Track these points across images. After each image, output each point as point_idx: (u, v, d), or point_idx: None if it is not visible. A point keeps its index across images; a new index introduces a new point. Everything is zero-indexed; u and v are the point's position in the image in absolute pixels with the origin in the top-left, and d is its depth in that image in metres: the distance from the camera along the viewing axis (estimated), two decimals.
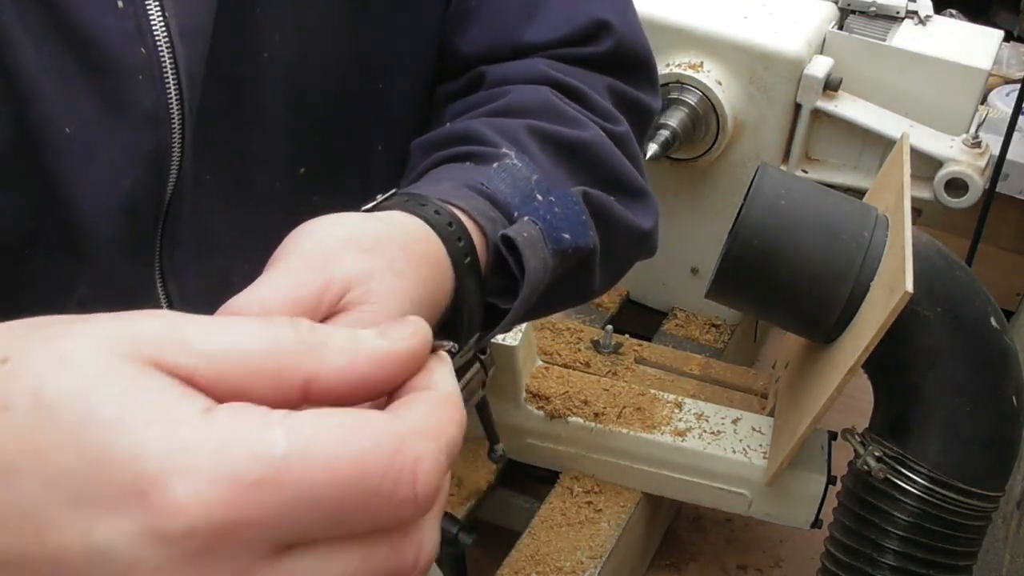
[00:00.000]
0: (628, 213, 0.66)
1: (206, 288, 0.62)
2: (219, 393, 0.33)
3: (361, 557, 0.33)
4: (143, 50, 0.52)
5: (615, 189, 0.66)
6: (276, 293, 0.42)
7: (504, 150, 0.61)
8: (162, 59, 0.53)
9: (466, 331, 0.55)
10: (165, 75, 0.53)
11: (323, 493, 0.31)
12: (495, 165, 0.59)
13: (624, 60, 0.71)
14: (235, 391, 0.33)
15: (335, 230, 0.48)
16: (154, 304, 0.60)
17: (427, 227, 0.52)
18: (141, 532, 0.31)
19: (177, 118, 0.55)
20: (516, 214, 0.57)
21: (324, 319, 0.43)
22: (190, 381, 0.33)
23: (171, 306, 0.61)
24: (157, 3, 0.53)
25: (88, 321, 0.34)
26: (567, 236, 0.58)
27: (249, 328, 0.35)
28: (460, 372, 0.72)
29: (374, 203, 0.55)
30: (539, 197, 0.59)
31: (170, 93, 0.54)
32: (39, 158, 0.52)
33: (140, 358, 0.33)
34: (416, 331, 0.37)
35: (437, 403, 0.36)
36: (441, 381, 0.37)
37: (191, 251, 0.61)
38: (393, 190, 0.57)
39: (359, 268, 0.45)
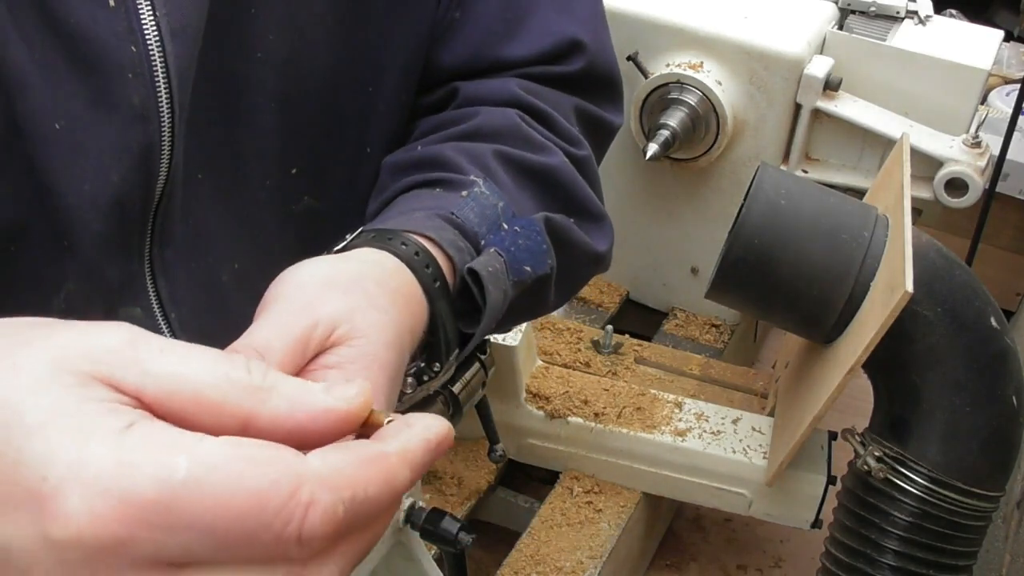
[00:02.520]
0: (586, 237, 0.70)
1: (196, 286, 0.63)
2: (162, 414, 0.35)
3: None
4: (133, 48, 0.53)
5: (575, 213, 0.70)
6: (268, 337, 0.45)
7: (473, 177, 0.64)
8: (152, 57, 0.53)
9: (444, 349, 0.59)
10: (155, 73, 0.54)
11: (213, 522, 0.33)
12: (464, 193, 0.63)
13: (593, 79, 0.75)
14: (177, 416, 0.35)
15: (314, 274, 0.51)
16: (144, 302, 0.60)
17: (397, 260, 0.56)
18: (35, 535, 0.33)
19: (167, 116, 0.55)
20: (483, 243, 0.62)
21: (316, 356, 0.46)
22: (138, 398, 0.35)
23: (161, 304, 0.61)
24: (148, 2, 0.53)
25: (55, 330, 0.36)
26: (528, 268, 0.63)
27: (205, 361, 0.36)
28: (453, 378, 0.75)
29: (344, 243, 0.59)
30: (505, 226, 0.63)
31: (160, 91, 0.54)
32: (27, 152, 0.52)
33: (86, 372, 0.35)
34: (359, 393, 0.39)
35: (366, 459, 0.37)
36: (394, 441, 0.38)
37: (182, 249, 0.61)
38: (360, 228, 0.60)
39: (341, 306, 0.48)
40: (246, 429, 0.36)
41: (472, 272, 0.59)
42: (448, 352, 0.60)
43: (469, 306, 0.60)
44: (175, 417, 0.35)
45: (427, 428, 0.39)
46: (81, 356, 0.35)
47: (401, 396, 0.57)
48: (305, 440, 0.37)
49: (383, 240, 0.57)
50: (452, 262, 0.59)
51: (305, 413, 0.37)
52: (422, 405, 0.69)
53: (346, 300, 0.49)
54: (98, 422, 0.34)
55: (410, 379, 0.58)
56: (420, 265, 0.57)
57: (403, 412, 0.61)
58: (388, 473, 0.37)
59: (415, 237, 0.58)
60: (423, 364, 0.59)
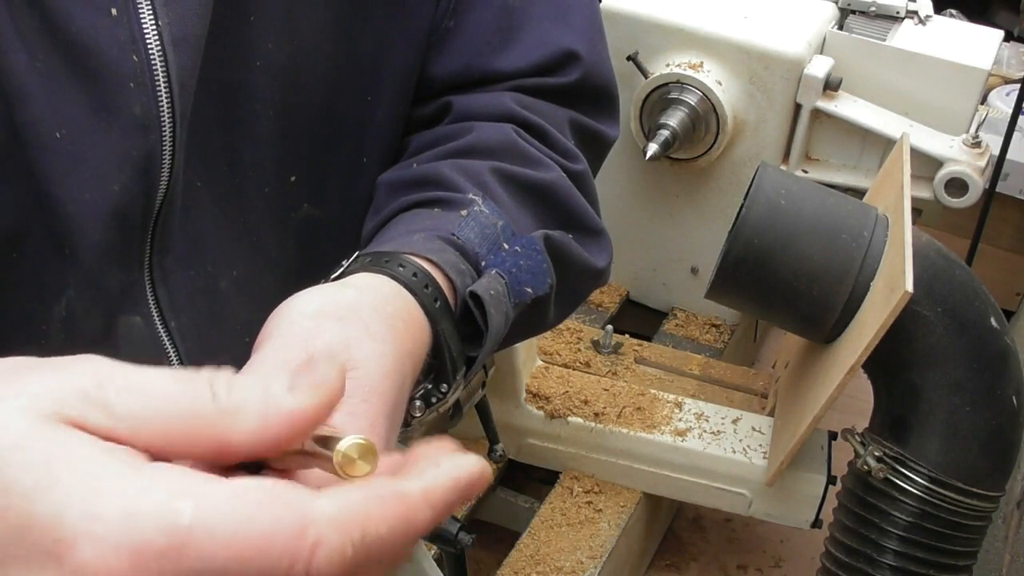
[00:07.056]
0: (585, 253, 0.69)
1: (195, 293, 0.63)
2: (140, 448, 0.35)
3: None
4: (135, 57, 0.52)
5: (574, 228, 0.69)
6: (265, 374, 0.44)
7: (471, 195, 0.63)
8: (154, 67, 0.53)
9: (451, 370, 0.58)
10: (157, 83, 0.53)
11: (223, 565, 0.33)
12: (464, 212, 0.62)
13: (589, 91, 0.74)
14: (153, 450, 0.36)
15: (308, 306, 0.50)
16: (143, 310, 0.60)
17: (394, 283, 0.55)
18: None
19: (168, 125, 0.55)
20: (484, 263, 0.61)
21: None
22: (111, 438, 0.35)
23: (160, 312, 0.61)
24: (151, 11, 0.53)
25: (20, 379, 0.36)
26: (529, 290, 0.62)
27: (169, 393, 0.36)
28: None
29: (341, 270, 0.58)
30: (505, 246, 0.62)
31: (161, 100, 0.54)
32: (27, 161, 0.52)
33: (63, 419, 0.35)
34: (323, 380, 0.38)
35: (381, 498, 0.36)
36: (418, 480, 0.37)
37: (181, 257, 0.61)
38: (356, 252, 0.59)
39: (337, 338, 0.48)
40: (223, 454, 0.36)
41: (474, 295, 0.58)
42: (455, 372, 0.59)
43: (471, 329, 0.59)
44: (152, 451, 0.36)
45: (456, 467, 0.38)
46: (55, 404, 0.35)
47: (411, 420, 0.57)
48: (288, 443, 0.37)
49: (379, 264, 0.56)
50: (453, 284, 0.58)
51: (278, 423, 0.37)
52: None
53: (342, 331, 0.48)
54: (98, 470, 0.34)
55: (418, 402, 0.57)
56: (419, 286, 0.56)
57: (422, 435, 0.60)
58: (406, 512, 0.36)
59: (414, 259, 0.57)
60: (430, 386, 0.58)
